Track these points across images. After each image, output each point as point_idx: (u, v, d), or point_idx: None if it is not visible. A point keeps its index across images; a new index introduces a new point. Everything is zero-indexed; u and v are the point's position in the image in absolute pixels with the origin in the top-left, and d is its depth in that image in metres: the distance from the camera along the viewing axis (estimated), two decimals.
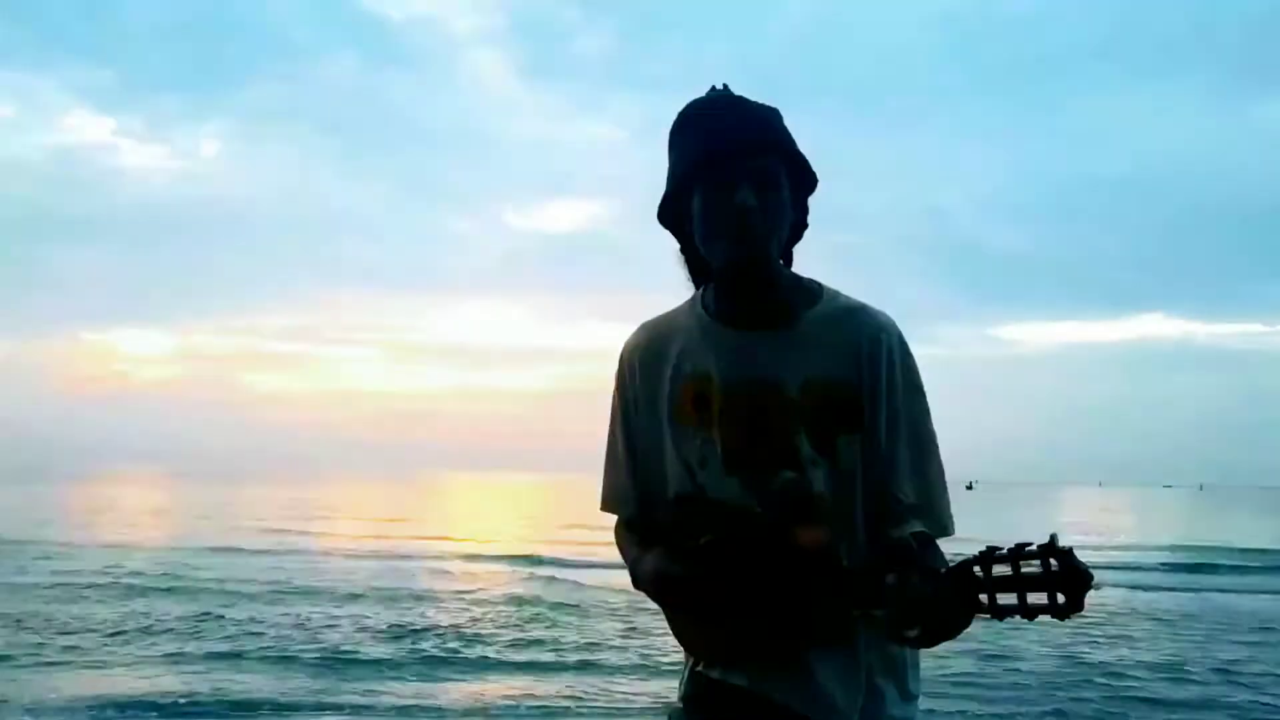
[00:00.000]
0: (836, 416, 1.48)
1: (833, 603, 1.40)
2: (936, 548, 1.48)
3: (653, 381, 1.60)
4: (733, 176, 1.44)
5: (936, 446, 1.53)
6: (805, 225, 1.57)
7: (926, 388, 1.53)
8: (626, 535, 1.67)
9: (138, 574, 15.35)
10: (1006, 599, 1.18)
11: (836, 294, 1.55)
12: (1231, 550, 25.03)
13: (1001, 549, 1.19)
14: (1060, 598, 1.15)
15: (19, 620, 10.73)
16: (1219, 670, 9.52)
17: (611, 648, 10.11)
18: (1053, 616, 1.16)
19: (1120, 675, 9.09)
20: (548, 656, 9.77)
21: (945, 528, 1.50)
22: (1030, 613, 1.16)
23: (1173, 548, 25.73)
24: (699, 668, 1.58)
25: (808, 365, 1.49)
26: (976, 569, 1.20)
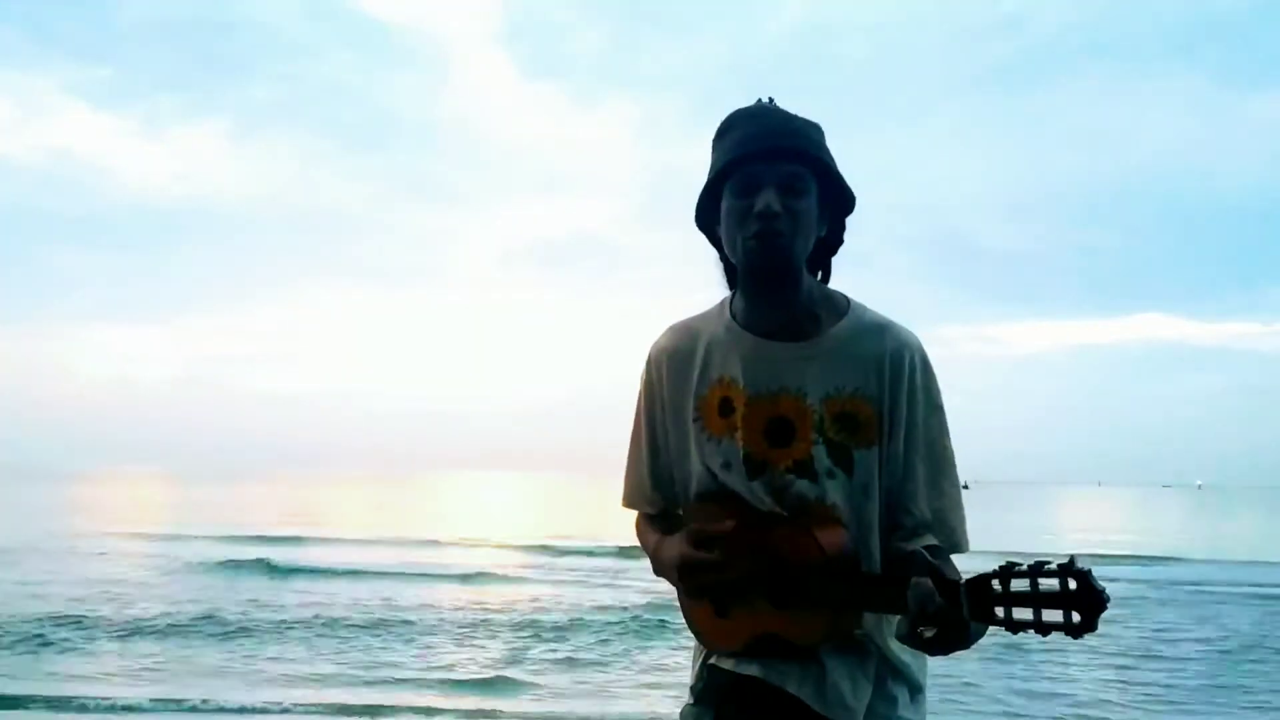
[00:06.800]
0: (854, 430, 1.51)
1: (849, 604, 1.44)
2: (950, 562, 1.48)
3: (679, 384, 1.62)
4: (758, 180, 1.46)
5: (953, 464, 1.55)
6: (840, 242, 1.59)
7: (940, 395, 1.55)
8: (648, 526, 1.71)
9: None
10: (1022, 614, 1.21)
11: (864, 309, 1.56)
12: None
13: (1021, 565, 1.22)
14: (1076, 617, 1.17)
15: None
16: None
17: None
18: (1066, 634, 1.18)
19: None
20: None
21: (958, 544, 1.52)
22: (1045, 629, 1.19)
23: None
24: (711, 660, 1.60)
25: (830, 378, 1.51)
26: (994, 583, 1.23)
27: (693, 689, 1.64)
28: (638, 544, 1.73)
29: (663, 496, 1.68)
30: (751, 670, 1.53)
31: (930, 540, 1.49)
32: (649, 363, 1.67)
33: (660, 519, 1.70)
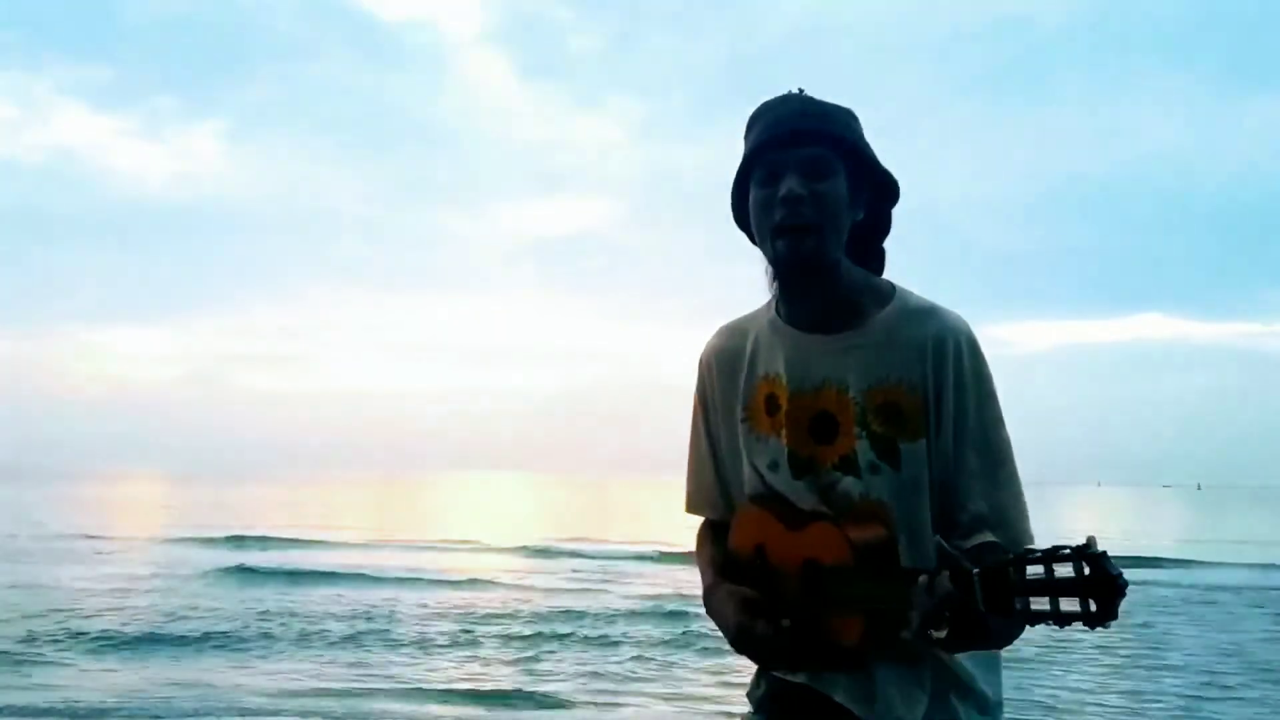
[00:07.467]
0: (899, 422, 1.43)
1: (881, 604, 1.34)
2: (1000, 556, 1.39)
3: (729, 384, 1.58)
4: (781, 167, 1.42)
5: (1010, 454, 1.45)
6: (886, 229, 1.53)
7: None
8: (707, 546, 1.65)
9: None
10: (1040, 604, 1.11)
11: (909, 295, 1.50)
12: None
13: (1037, 551, 1.12)
14: (1092, 605, 1.07)
15: None
16: None
17: None
18: (1084, 624, 1.08)
19: None
20: None
21: (1019, 540, 1.40)
22: (1062, 619, 1.09)
23: None
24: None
25: (872, 369, 1.44)
26: (1010, 570, 1.13)
27: (750, 696, 1.61)
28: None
29: (725, 501, 1.62)
30: (800, 677, 1.49)
31: (988, 537, 1.39)
32: (701, 365, 1.63)
33: (723, 525, 1.63)
